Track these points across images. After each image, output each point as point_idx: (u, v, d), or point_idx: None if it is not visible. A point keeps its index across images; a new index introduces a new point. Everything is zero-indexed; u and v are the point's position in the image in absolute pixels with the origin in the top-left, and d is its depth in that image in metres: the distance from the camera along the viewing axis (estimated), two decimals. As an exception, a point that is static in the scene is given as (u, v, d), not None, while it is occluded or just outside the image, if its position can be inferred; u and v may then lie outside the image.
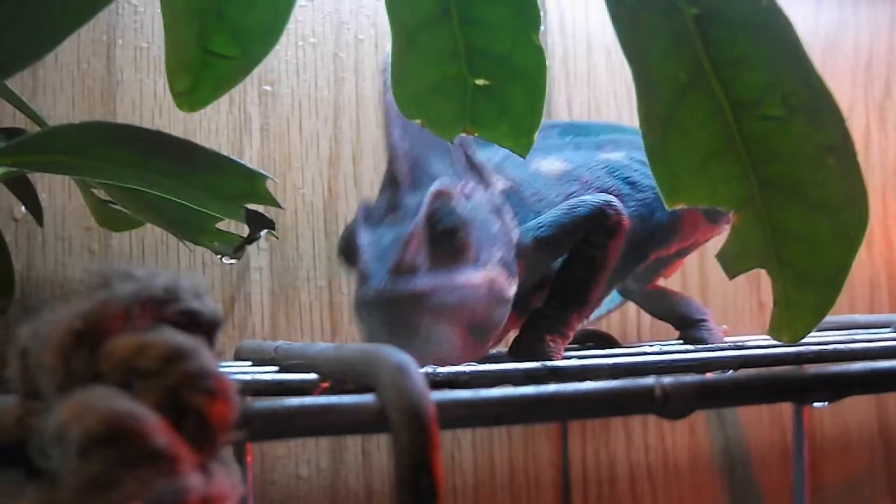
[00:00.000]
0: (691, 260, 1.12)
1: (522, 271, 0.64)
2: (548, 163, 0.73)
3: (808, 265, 0.59)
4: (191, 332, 0.33)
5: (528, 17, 0.56)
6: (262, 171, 0.62)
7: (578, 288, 0.66)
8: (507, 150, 0.70)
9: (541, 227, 0.66)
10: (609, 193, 0.70)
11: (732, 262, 0.61)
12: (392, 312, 0.54)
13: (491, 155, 0.71)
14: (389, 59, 0.58)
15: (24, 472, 0.36)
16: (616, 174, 0.74)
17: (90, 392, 0.29)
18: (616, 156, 0.77)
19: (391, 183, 0.60)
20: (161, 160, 0.59)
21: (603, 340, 0.79)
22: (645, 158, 0.76)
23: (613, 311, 0.96)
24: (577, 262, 0.66)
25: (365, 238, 0.57)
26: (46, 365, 0.31)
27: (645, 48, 0.56)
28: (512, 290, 0.61)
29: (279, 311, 0.92)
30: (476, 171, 0.65)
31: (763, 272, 0.61)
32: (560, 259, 0.68)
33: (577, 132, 0.79)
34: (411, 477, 0.34)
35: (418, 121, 0.59)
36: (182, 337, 0.31)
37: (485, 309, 0.58)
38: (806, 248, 0.59)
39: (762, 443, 1.14)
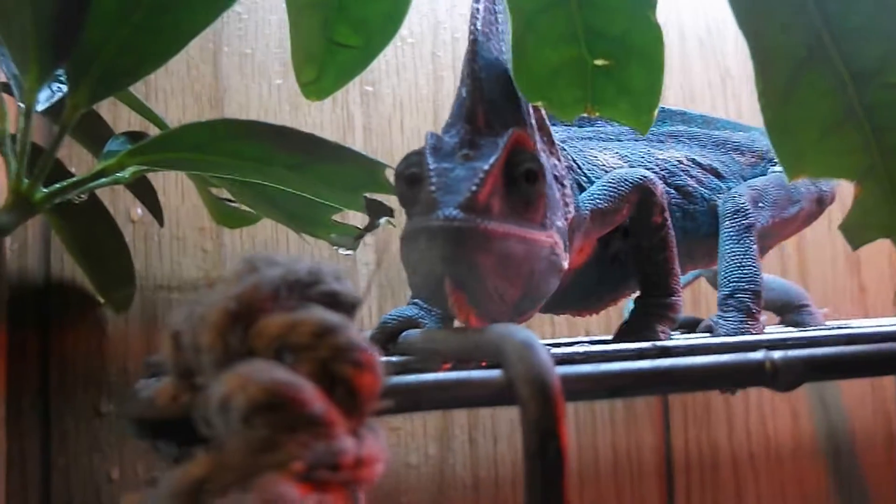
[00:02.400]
0: (790, 244, 1.12)
1: (574, 245, 0.63)
2: (604, 154, 0.73)
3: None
4: (333, 311, 0.35)
5: None
6: (380, 160, 0.63)
7: (665, 269, 0.66)
8: (570, 131, 0.71)
9: (594, 198, 0.65)
10: None
11: (856, 233, 0.60)
12: (456, 246, 0.48)
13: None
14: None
15: (176, 445, 0.39)
16: (670, 181, 0.74)
17: (250, 365, 0.32)
18: (674, 155, 0.77)
19: (467, 119, 0.55)
20: (285, 154, 0.62)
21: (693, 325, 0.79)
22: (703, 159, 0.77)
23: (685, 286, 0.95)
24: (650, 249, 0.67)
25: (434, 166, 0.51)
26: (205, 344, 0.34)
27: (763, 23, 0.55)
28: (565, 263, 0.57)
29: (386, 304, 0.95)
30: (546, 134, 0.63)
31: (862, 255, 0.61)
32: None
33: None
34: (540, 444, 0.36)
35: (540, 103, 0.60)
36: (330, 314, 0.33)
37: (543, 275, 0.54)
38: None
39: (866, 428, 1.14)
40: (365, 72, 0.95)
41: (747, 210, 0.71)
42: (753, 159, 0.82)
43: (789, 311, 0.82)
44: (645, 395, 0.99)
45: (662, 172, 0.74)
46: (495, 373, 0.39)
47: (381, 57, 0.97)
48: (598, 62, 0.59)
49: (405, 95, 0.99)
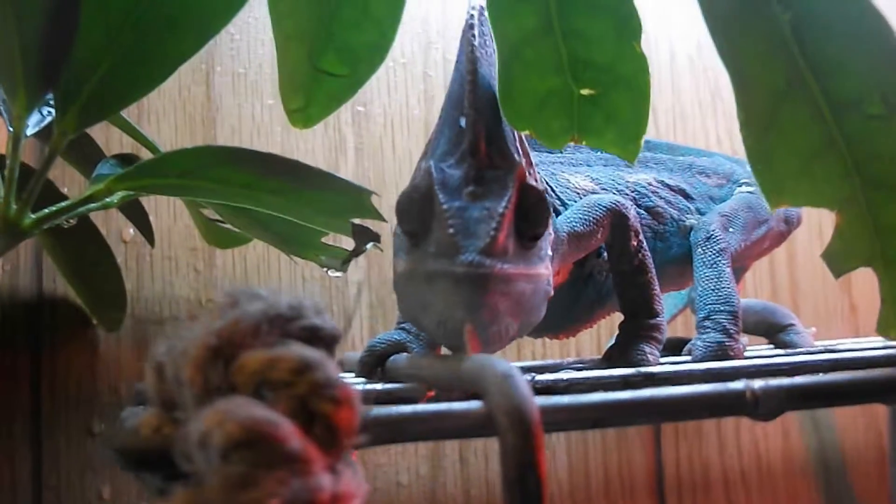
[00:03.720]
0: (781, 263, 1.12)
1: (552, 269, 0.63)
2: (576, 178, 0.73)
3: (916, 261, 0.59)
4: (313, 346, 0.36)
5: (629, 26, 0.58)
6: (366, 187, 0.64)
7: (647, 292, 0.67)
8: (540, 155, 0.72)
9: (570, 222, 0.66)
10: None
11: (838, 262, 0.61)
12: (481, 293, 0.50)
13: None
14: (475, 19, 0.59)
15: (160, 477, 0.39)
16: (640, 202, 0.75)
17: (230, 401, 0.32)
18: (643, 178, 0.78)
19: (471, 153, 0.55)
20: (270, 180, 0.62)
21: (679, 346, 0.79)
22: (671, 181, 0.78)
23: (677, 315, 0.96)
24: (631, 273, 0.67)
25: (448, 206, 0.52)
26: (185, 378, 0.35)
27: (742, 55, 0.56)
28: (552, 289, 0.58)
29: (377, 324, 0.95)
30: (526, 155, 0.63)
31: (853, 274, 0.62)
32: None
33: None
34: (518, 475, 0.36)
35: (527, 132, 0.60)
36: (309, 350, 0.34)
37: (538, 306, 0.56)
38: (913, 244, 0.58)
39: (857, 446, 1.14)
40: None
41: (718, 237, 0.73)
42: (720, 181, 0.84)
43: (777, 331, 0.82)
44: (625, 426, 0.99)
45: (633, 194, 0.75)
46: (475, 404, 0.39)
47: (373, 77, 0.98)
48: (584, 91, 0.59)
49: (396, 115, 0.99)
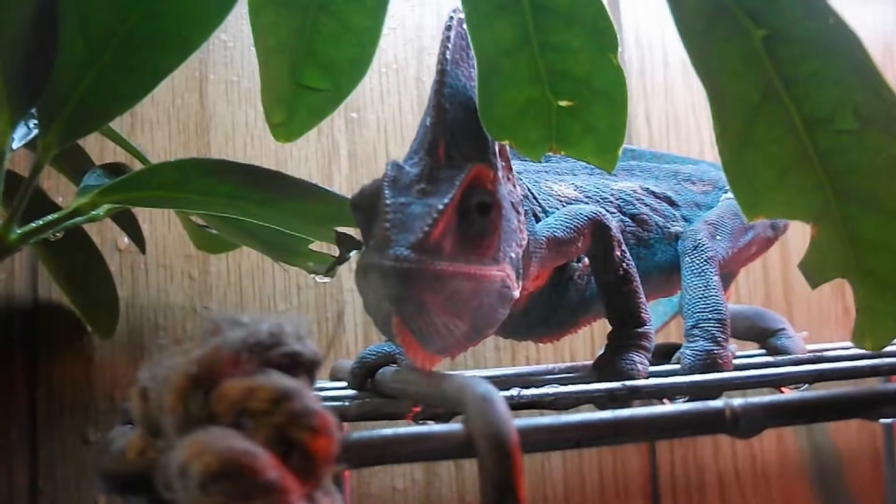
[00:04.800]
0: (774, 268, 1.12)
1: (529, 272, 0.64)
2: (559, 186, 0.74)
3: (890, 273, 0.59)
4: (293, 372, 0.36)
5: (605, 39, 0.59)
6: (349, 196, 0.65)
7: (633, 301, 0.68)
8: (525, 164, 0.73)
9: (551, 227, 0.66)
10: None
11: (814, 273, 0.62)
12: (406, 286, 0.49)
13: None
14: (453, 22, 0.60)
15: (145, 500, 0.39)
16: (625, 210, 0.75)
17: (208, 432, 0.33)
18: (628, 186, 0.78)
19: (427, 151, 0.56)
20: (254, 190, 0.63)
21: (669, 353, 0.80)
22: (657, 189, 0.79)
23: (669, 322, 0.96)
24: (616, 283, 0.68)
25: (391, 201, 0.52)
26: (167, 406, 0.35)
27: (716, 69, 0.57)
28: (516, 292, 0.58)
29: (372, 330, 0.95)
30: (505, 159, 0.63)
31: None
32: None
33: None
34: (497, 499, 0.37)
35: (507, 142, 0.61)
36: (287, 380, 0.34)
37: (492, 307, 0.55)
38: (886, 256, 0.59)
39: (851, 447, 1.14)
40: (349, 98, 0.97)
41: (706, 246, 0.73)
42: (705, 188, 0.84)
43: (767, 336, 0.82)
44: (605, 446, 0.99)
45: (618, 202, 0.75)
46: (456, 427, 0.39)
47: (366, 83, 0.98)
48: (563, 103, 0.60)
49: (390, 121, 1.00)
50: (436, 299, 0.50)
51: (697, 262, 0.72)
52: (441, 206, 0.52)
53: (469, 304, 0.53)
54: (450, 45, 0.60)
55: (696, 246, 0.73)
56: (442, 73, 0.59)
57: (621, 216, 0.74)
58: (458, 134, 0.58)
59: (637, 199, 0.77)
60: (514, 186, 0.63)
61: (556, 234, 0.66)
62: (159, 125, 0.93)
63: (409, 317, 0.50)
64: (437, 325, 0.51)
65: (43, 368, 0.86)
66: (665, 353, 0.76)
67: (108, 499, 0.86)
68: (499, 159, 0.62)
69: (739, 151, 0.58)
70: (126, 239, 0.88)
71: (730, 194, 0.81)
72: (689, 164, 0.86)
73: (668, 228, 0.77)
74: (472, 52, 0.60)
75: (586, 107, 0.60)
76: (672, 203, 0.80)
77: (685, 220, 0.79)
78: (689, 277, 0.72)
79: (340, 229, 0.69)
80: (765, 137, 0.57)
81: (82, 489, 0.86)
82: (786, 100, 0.56)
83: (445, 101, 0.58)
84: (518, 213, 0.61)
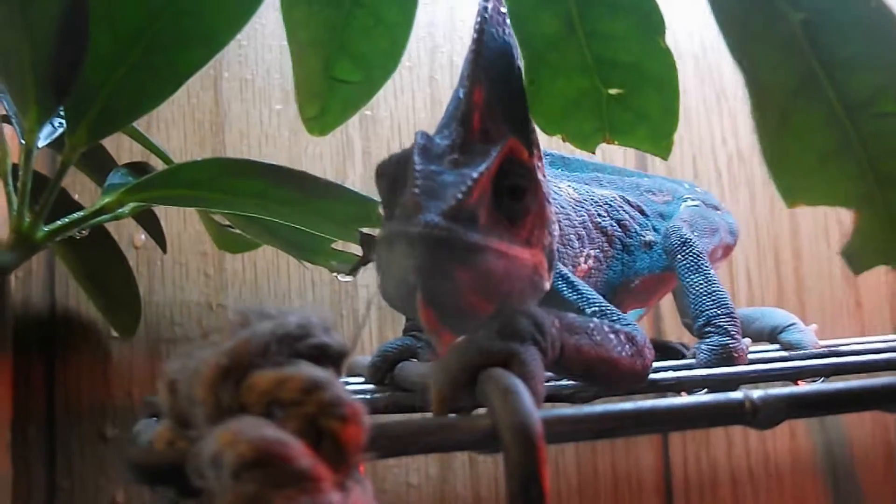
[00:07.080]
0: (787, 260, 1.13)
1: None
2: (563, 186, 0.74)
3: (935, 259, 0.59)
4: (321, 363, 0.37)
5: (652, 22, 0.58)
6: (372, 197, 0.65)
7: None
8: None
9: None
10: (604, 234, 0.73)
11: (857, 259, 0.59)
12: (435, 256, 0.45)
13: None
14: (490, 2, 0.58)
15: (174, 491, 0.40)
16: (612, 214, 0.76)
17: (240, 421, 0.33)
18: (608, 193, 0.79)
19: (461, 122, 0.52)
20: (279, 190, 0.63)
21: (674, 352, 0.80)
22: (630, 198, 0.80)
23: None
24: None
25: (422, 167, 0.48)
26: (197, 398, 0.35)
27: (754, 55, 0.56)
28: (547, 284, 0.54)
29: (386, 326, 0.96)
30: (538, 148, 0.59)
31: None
32: None
33: (562, 165, 0.79)
34: (522, 489, 0.37)
35: (559, 135, 0.60)
36: (317, 370, 0.35)
37: (521, 295, 0.50)
38: (931, 241, 0.59)
39: (865, 444, 1.14)
40: (364, 96, 0.97)
41: (693, 240, 0.73)
42: (666, 198, 0.84)
43: (778, 332, 0.82)
44: (628, 436, 1.00)
45: (605, 206, 0.76)
46: (482, 418, 0.40)
47: (380, 81, 0.99)
48: (612, 91, 0.59)
49: (403, 119, 1.00)
50: (465, 275, 0.46)
51: (691, 257, 0.72)
52: (476, 175, 0.47)
53: (500, 286, 0.48)
54: (487, 15, 0.56)
55: (684, 241, 0.73)
56: (479, 41, 0.54)
57: (610, 220, 0.75)
58: (494, 107, 0.54)
59: (619, 207, 0.77)
60: (544, 176, 0.60)
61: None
62: (175, 123, 0.93)
63: (436, 293, 0.46)
64: (462, 307, 0.47)
65: (60, 367, 0.87)
66: (672, 354, 0.77)
67: (126, 496, 0.87)
68: (535, 148, 0.59)
69: (778, 139, 0.56)
70: (143, 236, 0.89)
71: (689, 202, 0.82)
72: (645, 178, 0.87)
73: (644, 237, 0.77)
74: (507, 30, 0.59)
75: (637, 94, 0.59)
76: (642, 212, 0.80)
77: (654, 229, 0.79)
78: (687, 275, 0.72)
79: (364, 230, 0.69)
80: (804, 123, 0.56)
81: (100, 485, 0.86)
82: (825, 84, 0.55)
83: (481, 72, 0.54)
84: (549, 203, 0.57)
